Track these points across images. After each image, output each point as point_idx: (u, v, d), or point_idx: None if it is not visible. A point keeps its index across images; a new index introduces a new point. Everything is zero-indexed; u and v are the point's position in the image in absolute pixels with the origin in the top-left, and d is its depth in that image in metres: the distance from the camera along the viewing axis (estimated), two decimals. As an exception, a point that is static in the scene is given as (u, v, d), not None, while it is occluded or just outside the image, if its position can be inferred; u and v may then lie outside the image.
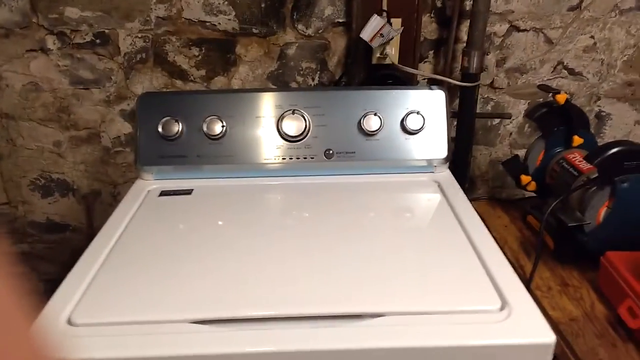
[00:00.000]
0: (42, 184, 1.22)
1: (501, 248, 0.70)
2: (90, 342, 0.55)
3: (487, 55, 1.12)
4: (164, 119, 0.90)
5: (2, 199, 1.23)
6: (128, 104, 1.16)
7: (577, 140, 0.95)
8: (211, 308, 0.59)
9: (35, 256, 1.29)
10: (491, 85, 1.16)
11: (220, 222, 0.80)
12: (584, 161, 0.88)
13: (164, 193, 0.89)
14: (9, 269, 0.20)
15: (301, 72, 1.15)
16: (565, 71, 1.16)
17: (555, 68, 1.16)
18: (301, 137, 0.92)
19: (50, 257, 1.30)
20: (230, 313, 0.59)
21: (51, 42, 1.10)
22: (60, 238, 1.28)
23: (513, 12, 1.10)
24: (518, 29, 1.12)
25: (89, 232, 1.27)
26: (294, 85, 1.16)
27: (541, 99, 1.14)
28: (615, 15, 1.11)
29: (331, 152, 0.92)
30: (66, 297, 0.61)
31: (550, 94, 0.98)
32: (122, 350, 0.55)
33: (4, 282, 0.20)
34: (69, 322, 0.58)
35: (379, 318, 0.58)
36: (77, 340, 0.56)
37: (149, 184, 0.92)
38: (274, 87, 1.15)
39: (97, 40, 1.10)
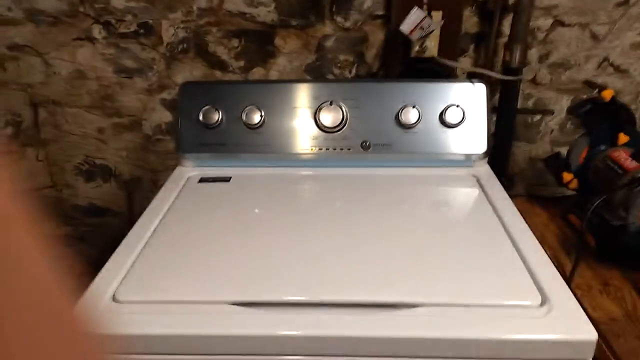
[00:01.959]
0: (85, 169, 1.26)
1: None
2: (134, 319, 0.57)
3: (530, 50, 1.10)
4: (205, 107, 0.92)
5: (47, 182, 1.27)
6: (169, 93, 1.18)
7: (623, 137, 0.92)
8: (250, 291, 0.61)
9: (78, 239, 1.34)
10: (533, 80, 1.14)
11: (257, 210, 0.81)
12: (630, 159, 0.85)
13: (203, 180, 0.90)
14: (50, 250, 0.20)
15: (338, 65, 1.15)
16: (611, 68, 1.13)
17: (600, 65, 1.13)
18: (338, 129, 0.92)
19: (92, 240, 1.34)
20: (268, 297, 0.60)
21: (97, 31, 1.13)
22: (101, 222, 1.32)
23: (557, 6, 1.07)
24: (563, 24, 1.09)
25: (129, 217, 1.30)
26: (330, 77, 1.16)
27: (585, 96, 1.11)
28: (666, 11, 1.07)
29: (368, 143, 0.92)
30: (111, 276, 0.63)
31: (596, 90, 0.95)
32: (164, 327, 0.56)
33: (47, 263, 0.20)
34: (114, 299, 0.60)
35: (415, 308, 0.58)
36: (121, 316, 0.58)
37: (189, 170, 0.94)
38: (311, 78, 1.16)
39: (141, 30, 1.13)
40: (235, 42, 1.14)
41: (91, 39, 1.14)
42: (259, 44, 1.13)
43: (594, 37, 1.10)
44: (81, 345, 0.22)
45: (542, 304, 0.58)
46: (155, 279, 0.64)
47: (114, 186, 1.28)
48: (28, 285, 0.19)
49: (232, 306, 0.59)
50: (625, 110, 0.96)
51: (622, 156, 0.88)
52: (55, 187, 1.28)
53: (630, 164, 0.84)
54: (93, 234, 1.33)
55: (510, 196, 0.84)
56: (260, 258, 0.67)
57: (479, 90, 0.90)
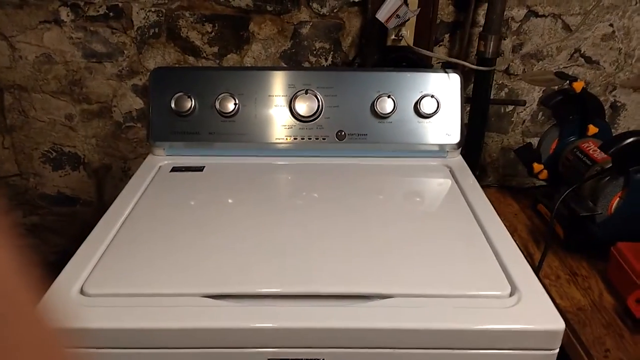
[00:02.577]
0: (53, 156, 1.22)
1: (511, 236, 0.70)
2: (102, 312, 0.56)
3: (504, 40, 1.11)
4: (177, 94, 0.90)
5: (13, 170, 1.23)
6: (140, 79, 1.15)
7: (592, 129, 0.94)
8: (222, 283, 0.60)
9: (46, 228, 1.30)
10: (506, 71, 1.15)
11: (231, 200, 0.81)
12: (598, 150, 0.87)
13: (175, 169, 0.89)
14: (13, 241, 0.20)
15: (314, 52, 1.14)
16: (582, 59, 1.15)
17: (572, 56, 1.14)
18: (313, 118, 0.91)
19: (60, 229, 1.31)
20: (241, 289, 0.59)
21: (65, 14, 1.09)
22: (70, 211, 1.29)
23: (532, -4, 1.08)
24: (537, 14, 1.10)
25: (99, 206, 1.28)
26: (306, 65, 1.15)
27: (556, 87, 1.12)
28: (636, 4, 1.09)
29: (343, 133, 0.91)
30: (79, 268, 0.62)
31: (567, 81, 0.97)
32: (134, 321, 0.55)
33: (9, 255, 0.19)
34: (82, 292, 0.59)
35: (387, 299, 0.58)
36: (89, 310, 0.57)
37: (161, 159, 0.92)
38: (286, 66, 1.14)
39: (111, 13, 1.09)
40: (209, 27, 1.11)
41: (59, 22, 1.10)
42: (233, 29, 1.11)
43: (567, 27, 1.11)
44: (44, 340, 0.21)
45: (512, 294, 0.59)
46: (124, 271, 0.62)
47: (83, 174, 1.25)
48: None
49: (204, 299, 0.58)
50: (595, 101, 0.98)
51: (591, 147, 0.90)
52: (22, 176, 1.24)
53: (598, 155, 0.86)
54: (62, 224, 1.30)
55: (482, 186, 0.85)
56: (232, 249, 0.67)
57: (453, 81, 0.91)
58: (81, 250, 0.66)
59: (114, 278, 0.61)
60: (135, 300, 0.58)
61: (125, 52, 1.13)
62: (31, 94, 1.16)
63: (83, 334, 0.55)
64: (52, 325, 0.22)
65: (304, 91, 0.91)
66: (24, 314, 0.20)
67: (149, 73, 1.13)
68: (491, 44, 1.03)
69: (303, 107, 0.91)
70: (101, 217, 0.74)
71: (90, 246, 0.66)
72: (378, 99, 0.90)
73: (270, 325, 0.56)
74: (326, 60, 1.15)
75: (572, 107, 0.97)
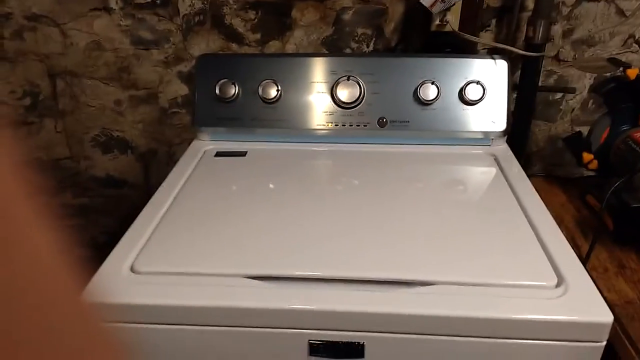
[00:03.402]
0: (102, 140, 1.27)
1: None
2: (151, 290, 0.58)
3: (554, 25, 1.07)
4: (221, 81, 0.91)
5: (65, 154, 1.29)
6: (185, 66, 1.18)
7: (646, 118, 0.90)
8: (265, 265, 0.61)
9: (95, 210, 1.36)
10: (555, 57, 1.11)
11: (273, 185, 0.82)
12: (653, 140, 0.83)
13: (219, 154, 0.91)
14: (53, 223, 0.20)
15: (356, 38, 1.13)
16: (637, 45, 1.09)
17: (625, 42, 1.09)
18: (355, 104, 0.91)
19: (109, 211, 1.36)
20: (283, 271, 0.60)
21: (114, 2, 1.12)
22: (118, 193, 1.33)
23: (585, -21, 1.04)
24: (589, -1, 1.06)
25: (146, 189, 1.32)
26: (348, 51, 1.14)
27: (609, 74, 1.08)
28: (697, -14, 1.03)
29: (385, 120, 0.91)
30: (129, 247, 0.64)
31: (620, 68, 0.93)
32: (180, 298, 0.57)
33: (47, 237, 0.20)
34: (132, 269, 0.61)
35: (429, 286, 0.58)
36: (139, 287, 0.59)
37: (205, 144, 0.94)
38: (328, 52, 1.14)
39: (157, 1, 1.12)
40: (252, 14, 1.12)
41: (108, 10, 1.13)
42: (275, 15, 1.12)
43: (620, 12, 1.06)
44: (87, 325, 0.21)
45: (558, 284, 0.57)
46: (172, 251, 0.64)
47: (131, 158, 1.29)
48: (29, 267, 0.18)
49: (247, 279, 0.60)
50: (651, 89, 0.94)
51: (645, 137, 0.86)
52: (73, 159, 1.29)
53: (653, 145, 0.83)
54: (110, 205, 1.35)
55: (528, 176, 0.83)
56: (275, 233, 0.68)
57: (500, 67, 0.89)
58: (131, 230, 0.68)
59: (162, 257, 0.63)
60: (181, 279, 0.60)
61: (171, 39, 1.15)
62: (82, 80, 1.20)
63: (132, 310, 0.58)
64: (95, 308, 0.22)
65: (345, 77, 0.91)
66: (66, 297, 0.20)
67: (193, 60, 1.16)
68: (540, 29, 1.00)
69: (345, 93, 0.91)
70: (148, 199, 0.76)
71: (139, 227, 0.69)
72: (421, 85, 0.89)
73: (311, 307, 0.57)
74: (368, 46, 1.14)
75: (625, 95, 0.93)
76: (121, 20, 1.14)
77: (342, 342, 0.57)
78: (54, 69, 1.19)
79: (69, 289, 0.20)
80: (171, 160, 1.27)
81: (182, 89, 1.20)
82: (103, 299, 0.58)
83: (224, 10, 1.12)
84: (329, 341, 0.57)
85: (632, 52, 1.10)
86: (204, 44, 1.15)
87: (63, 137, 1.27)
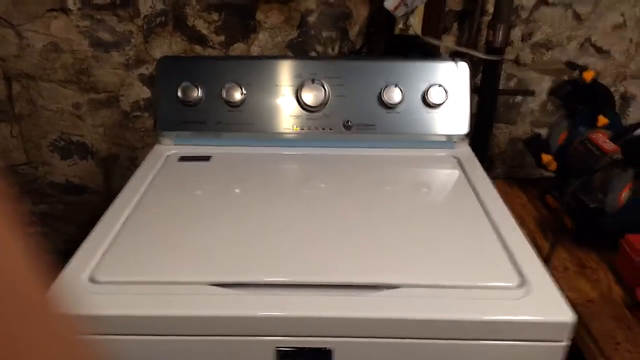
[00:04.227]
0: (61, 145, 1.23)
1: (519, 226, 0.70)
2: (111, 300, 0.56)
3: (513, 29, 1.10)
4: (184, 84, 0.90)
5: (22, 159, 1.24)
6: (147, 68, 1.15)
7: (602, 120, 0.93)
8: (229, 272, 0.60)
9: (55, 217, 1.31)
10: (515, 61, 1.14)
11: (238, 190, 0.81)
12: (609, 142, 0.86)
13: (183, 158, 0.89)
14: (20, 228, 0.19)
15: (321, 41, 1.13)
16: (593, 49, 1.13)
17: (582, 45, 1.13)
18: (320, 107, 0.91)
19: (69, 218, 1.31)
20: (248, 278, 0.59)
21: (71, 2, 1.09)
22: (78, 200, 1.29)
23: (542, -16, 1.07)
24: (547, 3, 1.09)
25: (107, 195, 1.28)
26: (313, 54, 1.14)
27: (566, 77, 1.11)
28: (649, -8, 1.07)
29: (350, 123, 0.91)
30: (88, 256, 0.62)
31: (577, 71, 0.96)
32: (143, 308, 0.56)
33: (15, 242, 0.19)
34: (91, 279, 0.59)
35: (395, 289, 0.58)
36: (99, 297, 0.57)
37: (168, 148, 0.92)
38: (293, 55, 1.14)
39: (117, 1, 1.09)
40: (215, 16, 1.11)
41: (65, 10, 1.10)
42: (239, 17, 1.11)
43: (577, 17, 1.10)
44: (54, 329, 0.21)
45: (521, 285, 0.58)
46: (133, 259, 0.63)
47: (92, 163, 1.25)
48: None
49: (212, 287, 0.58)
50: (606, 92, 0.97)
51: (601, 138, 0.89)
52: (31, 164, 1.25)
53: (608, 146, 0.85)
54: (71, 212, 1.31)
55: (491, 178, 0.84)
56: (239, 239, 0.67)
57: (462, 70, 0.90)
58: (90, 238, 0.66)
59: (122, 266, 0.61)
60: (143, 287, 0.58)
61: (132, 41, 1.12)
62: (39, 83, 1.16)
63: (92, 321, 0.56)
64: (62, 312, 0.21)
65: (310, 81, 0.90)
66: (32, 302, 0.19)
67: (155, 62, 1.13)
68: (500, 33, 1.02)
69: (310, 96, 0.90)
70: (109, 205, 0.74)
71: (99, 234, 0.67)
72: (385, 88, 0.89)
73: (278, 314, 0.56)
74: (333, 49, 1.14)
75: (582, 98, 0.96)
76: (79, 21, 1.11)
77: (309, 347, 0.57)
78: (10, 71, 1.15)
79: (35, 294, 0.19)
80: (133, 165, 1.24)
81: (144, 92, 1.18)
82: (61, 310, 0.56)
83: (187, 12, 1.10)
84: (297, 347, 0.57)
85: (588, 55, 1.13)
86: (166, 46, 1.13)
87: (19, 142, 1.22)
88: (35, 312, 0.19)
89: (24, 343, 0.18)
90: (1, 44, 1.12)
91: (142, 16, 1.10)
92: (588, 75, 0.93)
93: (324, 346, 0.57)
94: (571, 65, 0.97)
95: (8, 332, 0.17)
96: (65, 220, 1.32)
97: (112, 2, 1.09)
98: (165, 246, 0.65)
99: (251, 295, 0.58)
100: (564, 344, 0.56)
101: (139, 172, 0.84)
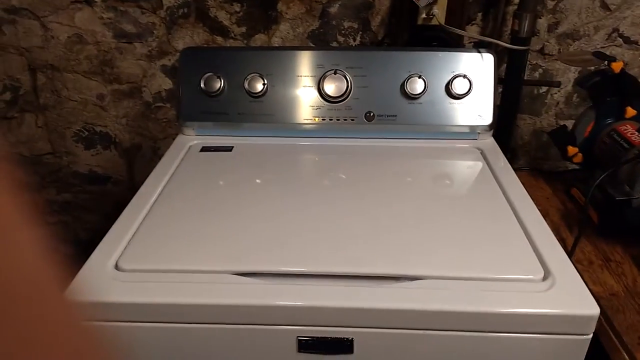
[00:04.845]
0: (85, 135, 1.25)
1: (544, 219, 0.69)
2: (136, 287, 0.57)
3: (539, 19, 1.07)
4: (206, 74, 0.90)
5: (46, 149, 1.26)
6: (169, 60, 1.16)
7: (630, 111, 0.91)
8: (252, 261, 0.61)
9: (78, 206, 1.34)
10: (540, 51, 1.11)
11: (259, 180, 0.81)
12: (637, 133, 0.84)
13: (205, 149, 0.89)
14: (36, 220, 0.19)
15: (343, 32, 1.12)
16: (620, 39, 1.11)
17: (609, 36, 1.10)
18: (342, 98, 0.90)
19: (92, 207, 1.34)
20: (269, 267, 0.60)
21: (95, -6, 1.10)
22: (102, 189, 1.31)
23: (569, -27, 1.04)
24: (574, -8, 1.06)
25: (130, 185, 1.30)
26: (334, 45, 1.14)
27: (593, 68, 1.09)
28: (680, -19, 1.04)
29: (372, 114, 0.90)
30: (114, 244, 0.63)
31: (605, 62, 0.93)
32: (166, 296, 0.56)
33: (30, 235, 0.19)
34: (117, 267, 0.60)
35: (417, 281, 0.58)
36: (123, 284, 0.58)
37: (190, 139, 0.93)
38: (315, 46, 1.13)
39: (140, -7, 1.10)
40: (237, 7, 1.11)
41: (89, 2, 1.11)
42: (261, 8, 1.11)
43: (605, 6, 1.07)
44: (67, 319, 0.21)
45: (545, 278, 0.58)
46: (157, 247, 0.63)
47: (115, 154, 1.27)
48: (12, 267, 0.18)
49: (235, 276, 0.59)
50: (634, 83, 0.95)
51: (629, 130, 0.87)
52: (55, 154, 1.27)
53: (636, 138, 0.83)
54: (94, 202, 1.33)
55: (514, 169, 0.83)
56: (261, 228, 0.67)
57: (487, 60, 0.89)
58: (115, 227, 0.67)
59: (147, 254, 0.62)
60: (167, 276, 0.59)
61: (154, 32, 1.13)
62: (63, 74, 1.18)
63: (117, 308, 0.57)
64: (75, 302, 0.21)
65: (332, 71, 0.90)
66: (48, 297, 0.19)
67: (177, 53, 1.14)
68: (526, 23, 1.00)
69: (331, 87, 0.90)
70: (132, 195, 0.75)
71: (124, 223, 0.68)
72: (408, 79, 0.88)
73: (299, 303, 0.56)
74: (354, 40, 1.13)
75: (610, 89, 0.94)
76: (103, 12, 1.12)
77: (330, 337, 0.57)
78: (35, 62, 1.17)
79: (52, 290, 0.19)
80: (155, 156, 1.25)
81: (166, 83, 1.19)
82: (86, 297, 0.57)
83: (209, 3, 1.10)
84: (318, 337, 0.57)
85: (616, 45, 1.11)
86: (188, 37, 1.14)
87: (44, 132, 1.24)
88: (48, 303, 0.19)
89: (38, 334, 0.18)
90: (26, 35, 1.14)
91: (164, 8, 1.11)
92: (617, 66, 0.91)
93: (345, 336, 0.57)
94: (599, 55, 0.95)
95: (22, 322, 0.17)
96: (88, 209, 1.34)
97: (135, -6, 1.10)
98: (188, 235, 0.66)
99: (273, 284, 0.58)
100: (587, 337, 0.55)
101: (162, 163, 0.85)
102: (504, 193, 0.74)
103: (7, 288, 0.17)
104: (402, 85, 0.89)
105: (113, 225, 0.67)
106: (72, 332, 0.21)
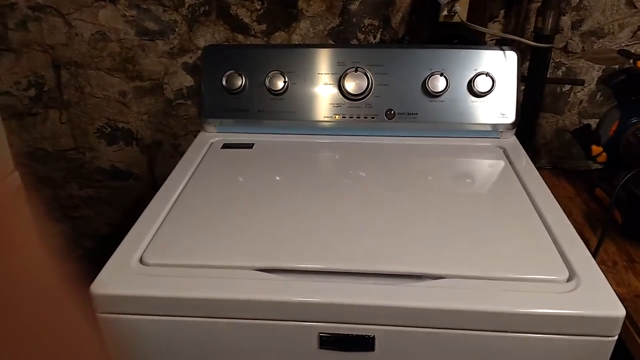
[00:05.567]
0: (108, 132, 1.27)
1: (567, 219, 0.68)
2: (161, 282, 0.58)
3: (563, 16, 1.06)
4: (228, 72, 0.91)
5: (70, 145, 1.28)
6: (190, 57, 1.17)
7: (657, 110, 0.89)
8: (275, 257, 0.61)
9: (100, 201, 1.36)
10: (564, 49, 1.10)
11: (280, 177, 0.81)
12: (664, 133, 0.83)
13: (226, 146, 0.90)
14: (43, 231, 0.19)
15: (363, 29, 1.12)
16: (647, 37, 1.09)
17: (635, 33, 1.08)
18: (363, 96, 0.90)
19: (114, 202, 1.36)
20: (293, 264, 0.60)
21: (118, -8, 1.11)
22: (124, 185, 1.33)
23: (594, -30, 1.03)
24: (599, -11, 1.05)
25: (151, 181, 1.31)
26: (354, 42, 1.13)
27: (618, 66, 1.07)
28: None
29: (393, 112, 0.90)
30: (138, 239, 0.64)
31: (631, 60, 0.92)
32: (190, 290, 0.57)
33: (40, 247, 0.19)
34: (141, 261, 0.61)
35: (439, 280, 0.58)
36: (148, 278, 0.59)
37: (212, 136, 0.94)
38: (335, 43, 1.13)
39: (163, -9, 1.11)
40: (257, 5, 1.11)
41: (113, 0, 1.12)
42: (281, 6, 1.11)
43: (630, 4, 1.05)
44: (71, 320, 0.21)
45: (570, 278, 0.57)
46: (181, 243, 0.64)
47: (136, 150, 1.28)
48: (21, 271, 0.18)
49: (257, 272, 0.59)
50: (661, 81, 0.93)
51: (656, 130, 0.85)
52: (78, 150, 1.29)
53: (664, 138, 0.82)
54: (116, 197, 1.35)
55: (536, 168, 0.82)
56: (283, 225, 0.67)
57: (509, 58, 0.88)
58: (140, 222, 0.68)
59: (171, 249, 0.63)
60: (191, 271, 0.60)
61: (176, 30, 1.14)
62: (87, 71, 1.20)
63: (142, 301, 0.58)
64: (80, 303, 0.21)
65: (353, 69, 0.90)
66: (54, 299, 0.20)
67: (199, 51, 1.15)
68: (549, 20, 0.99)
69: (352, 85, 0.90)
70: (153, 191, 0.76)
71: (148, 218, 0.69)
72: (430, 77, 0.88)
73: (322, 300, 0.57)
74: (374, 37, 1.13)
75: (635, 87, 0.92)
76: (126, 10, 1.13)
77: (352, 335, 0.57)
78: (59, 59, 1.19)
79: (59, 292, 0.19)
80: (176, 152, 1.27)
81: (188, 80, 1.20)
82: (112, 290, 0.58)
83: (230, 1, 1.11)
84: (339, 334, 0.57)
85: (641, 43, 1.09)
86: (210, 34, 1.14)
87: (68, 128, 1.26)
88: (54, 305, 0.20)
89: (44, 334, 0.18)
90: (51, 32, 1.16)
91: (186, 5, 1.12)
92: (642, 64, 0.89)
93: (366, 333, 0.57)
94: (624, 53, 0.93)
95: (29, 324, 0.18)
96: (110, 204, 1.36)
97: (158, -9, 1.11)
98: (211, 231, 0.66)
99: (295, 281, 0.58)
100: (612, 339, 0.55)
101: (184, 159, 0.86)
102: (527, 192, 0.74)
103: (10, 291, 0.17)
104: (424, 83, 0.88)
105: (137, 220, 0.68)
106: (78, 333, 0.21)
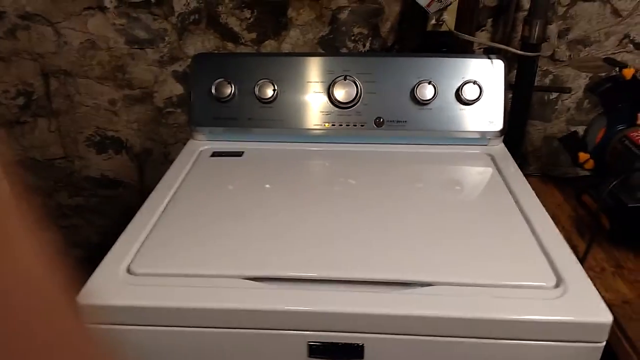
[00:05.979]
0: (97, 140, 1.26)
1: (555, 226, 0.68)
2: (148, 291, 0.58)
3: (550, 25, 1.07)
4: (217, 80, 0.91)
5: (59, 153, 1.28)
6: (180, 65, 1.17)
7: (642, 118, 0.91)
8: (263, 266, 0.61)
9: (90, 209, 1.35)
10: (551, 57, 1.11)
11: (270, 185, 0.81)
12: (649, 140, 0.84)
13: (215, 154, 0.90)
14: (40, 230, 0.19)
15: (352, 38, 1.13)
16: (632, 45, 1.10)
17: (621, 42, 1.10)
18: (352, 104, 0.91)
19: (104, 211, 1.35)
20: (282, 272, 0.60)
21: (108, 0, 1.11)
22: (113, 193, 1.32)
23: (580, -21, 1.04)
24: (585, -2, 1.06)
25: (141, 189, 1.31)
26: (344, 51, 1.14)
27: (604, 74, 1.08)
28: (693, -13, 1.03)
29: (382, 120, 0.91)
30: (126, 248, 0.64)
31: (617, 68, 0.93)
32: (178, 300, 0.57)
33: (35, 246, 0.19)
34: (129, 271, 0.61)
35: (427, 287, 0.58)
36: (136, 288, 0.58)
37: (201, 144, 0.93)
38: (325, 52, 1.14)
39: (152, 0, 1.11)
40: (247, 13, 1.11)
41: (102, 8, 1.12)
42: (271, 15, 1.11)
43: (616, 12, 1.07)
44: (73, 333, 0.21)
45: (557, 285, 0.57)
46: (169, 252, 0.64)
47: (126, 158, 1.28)
48: (18, 273, 0.18)
49: (246, 281, 0.59)
50: (646, 89, 0.94)
51: (641, 137, 0.86)
52: (67, 158, 1.28)
53: (649, 144, 0.83)
54: (105, 205, 1.34)
55: (524, 176, 0.83)
56: (272, 234, 0.67)
57: (497, 66, 0.89)
58: (127, 231, 0.68)
59: (159, 258, 0.63)
60: (179, 280, 0.59)
61: (166, 38, 1.14)
62: (76, 79, 1.19)
63: (129, 311, 0.57)
64: (83, 314, 0.21)
65: (342, 77, 0.90)
66: (51, 303, 0.20)
67: (189, 59, 1.15)
68: (536, 29, 1.00)
69: (341, 93, 0.90)
70: (143, 199, 0.76)
71: (136, 227, 0.68)
72: (418, 85, 0.88)
73: (310, 308, 0.56)
74: (364, 46, 1.14)
75: (621, 95, 0.94)
76: (115, 19, 1.13)
77: (341, 343, 0.57)
78: (48, 68, 1.18)
79: (56, 296, 0.19)
80: (166, 160, 1.26)
81: (177, 89, 1.20)
82: (99, 300, 0.57)
83: (220, 9, 1.11)
84: (328, 342, 0.57)
85: (627, 52, 1.10)
86: (199, 43, 1.15)
87: (57, 137, 1.26)
88: (48, 308, 0.20)
89: (40, 337, 0.18)
90: (40, 41, 1.15)
91: (176, 14, 1.12)
92: (628, 72, 0.90)
93: (355, 342, 0.57)
94: (610, 61, 0.95)
95: (25, 326, 0.18)
96: (99, 213, 1.35)
97: (148, 0, 1.11)
98: (200, 240, 0.66)
99: (284, 289, 0.58)
100: (600, 345, 0.55)
101: (173, 168, 0.86)
102: (515, 199, 0.74)
103: (9, 295, 0.17)
104: (412, 91, 0.89)
105: (125, 230, 0.68)
106: (75, 337, 0.21)
